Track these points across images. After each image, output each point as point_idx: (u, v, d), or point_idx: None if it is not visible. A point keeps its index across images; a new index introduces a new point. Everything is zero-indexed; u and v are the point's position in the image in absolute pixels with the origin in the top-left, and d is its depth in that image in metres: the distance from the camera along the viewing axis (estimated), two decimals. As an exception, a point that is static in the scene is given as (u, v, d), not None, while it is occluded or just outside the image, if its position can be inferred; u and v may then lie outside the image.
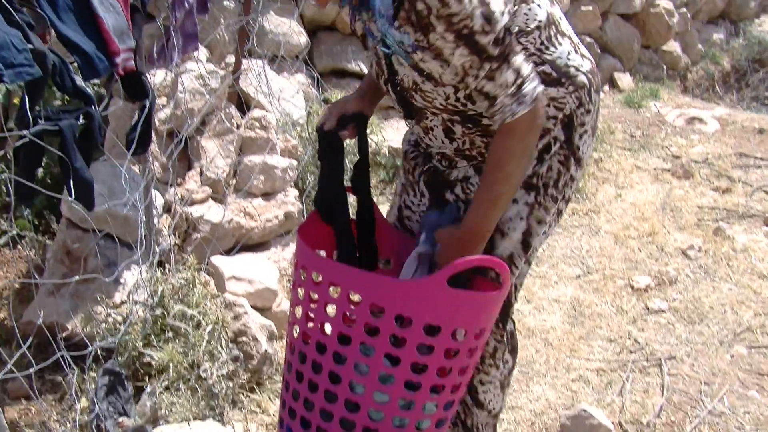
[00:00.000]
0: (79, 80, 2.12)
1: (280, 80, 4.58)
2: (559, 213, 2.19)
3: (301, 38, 5.02)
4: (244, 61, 4.05)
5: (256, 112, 4.02)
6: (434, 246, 2.05)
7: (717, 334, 3.55)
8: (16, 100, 3.80)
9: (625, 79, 7.46)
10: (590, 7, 7.06)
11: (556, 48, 1.97)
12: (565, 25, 2.04)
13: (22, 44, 1.85)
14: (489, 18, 1.72)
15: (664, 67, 8.00)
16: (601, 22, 7.32)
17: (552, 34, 1.96)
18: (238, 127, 3.90)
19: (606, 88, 7.30)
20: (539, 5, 1.93)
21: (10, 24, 1.89)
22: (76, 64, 2.18)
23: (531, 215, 2.10)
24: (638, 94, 7.09)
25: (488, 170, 1.92)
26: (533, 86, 1.81)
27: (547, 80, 1.94)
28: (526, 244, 2.13)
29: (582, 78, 2.02)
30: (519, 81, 1.80)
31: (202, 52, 4.06)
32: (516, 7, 1.87)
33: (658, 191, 5.10)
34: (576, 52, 2.03)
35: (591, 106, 2.06)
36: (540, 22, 1.92)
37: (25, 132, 1.90)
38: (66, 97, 3.15)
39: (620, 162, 5.55)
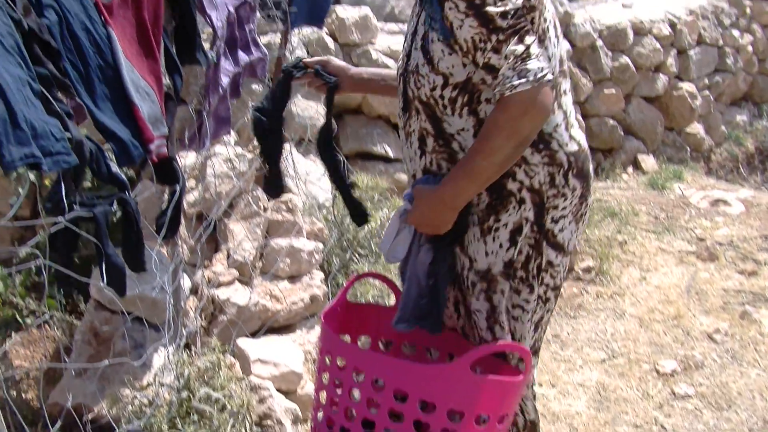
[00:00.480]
0: (114, 166, 2.19)
1: (306, 163, 4.67)
2: (544, 300, 2.17)
3: (328, 122, 5.12)
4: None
5: (283, 196, 4.08)
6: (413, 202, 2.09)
7: (746, 421, 3.48)
8: (47, 181, 3.91)
9: (648, 161, 7.49)
10: (613, 90, 7.15)
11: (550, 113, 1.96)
12: (566, 101, 2.05)
13: (61, 133, 1.92)
14: None
15: (688, 148, 8.03)
16: (625, 105, 7.40)
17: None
18: (265, 209, 3.97)
19: (630, 169, 7.33)
20: (549, 56, 1.91)
21: (50, 113, 1.97)
22: (111, 151, 2.25)
23: (505, 299, 2.10)
24: (662, 176, 7.11)
25: (475, 142, 1.92)
26: (540, 66, 1.80)
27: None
28: (513, 332, 2.14)
29: (561, 156, 2.02)
30: (525, 55, 1.80)
31: (231, 135, 4.16)
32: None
33: (683, 274, 5.07)
34: (566, 129, 2.03)
35: (567, 191, 2.05)
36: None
37: (60, 219, 1.95)
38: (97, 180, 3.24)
39: (645, 244, 5.54)
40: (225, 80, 3.19)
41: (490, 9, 1.80)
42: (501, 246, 2.05)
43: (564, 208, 2.06)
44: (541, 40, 1.88)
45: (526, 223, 2.04)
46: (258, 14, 3.51)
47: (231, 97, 3.32)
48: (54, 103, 1.99)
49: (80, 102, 2.19)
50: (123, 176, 2.20)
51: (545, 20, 1.92)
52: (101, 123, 2.20)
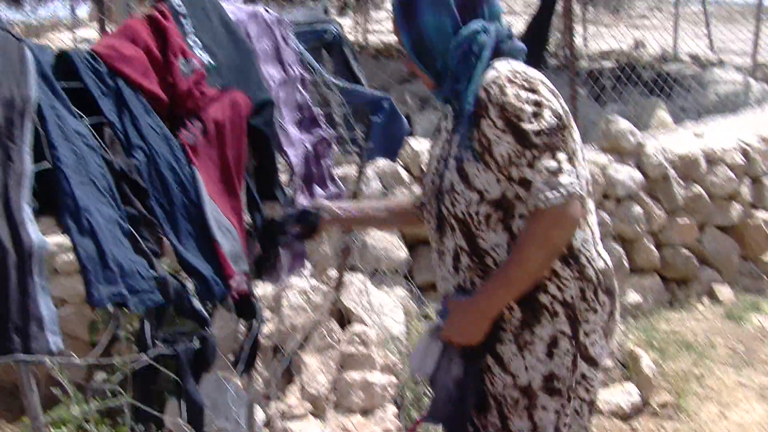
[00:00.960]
0: (196, 303, 2.24)
1: (380, 294, 4.68)
2: (579, 414, 2.18)
3: (401, 253, 5.17)
4: (345, 275, 4.18)
5: (356, 327, 4.09)
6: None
7: None
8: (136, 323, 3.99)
9: (724, 292, 7.28)
10: (687, 220, 7.05)
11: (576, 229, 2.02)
12: (591, 219, 2.12)
13: (147, 272, 2.00)
14: (538, 112, 1.92)
15: (765, 278, 7.80)
16: (699, 235, 7.28)
17: None
18: (338, 342, 3.97)
19: (705, 300, 7.12)
20: (577, 176, 1.96)
21: (137, 251, 2.05)
22: (193, 287, 2.31)
23: (545, 414, 2.10)
24: (739, 307, 6.87)
25: (510, 257, 2.00)
26: (571, 180, 1.89)
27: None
28: None
29: (590, 272, 2.07)
30: (557, 170, 1.89)
31: (306, 267, 4.22)
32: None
33: (766, 411, 4.83)
34: (593, 245, 2.10)
35: (598, 306, 2.08)
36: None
37: (144, 357, 1.99)
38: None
39: (723, 379, 5.30)
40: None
41: (527, 127, 1.91)
42: (539, 360, 2.07)
43: (594, 323, 2.09)
44: (570, 159, 1.96)
45: (563, 336, 2.06)
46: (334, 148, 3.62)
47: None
48: (141, 242, 2.07)
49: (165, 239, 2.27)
50: (205, 313, 2.25)
51: (574, 141, 2.01)
52: (185, 260, 2.27)
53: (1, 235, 1.68)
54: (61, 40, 15.94)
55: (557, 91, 2.05)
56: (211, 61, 2.54)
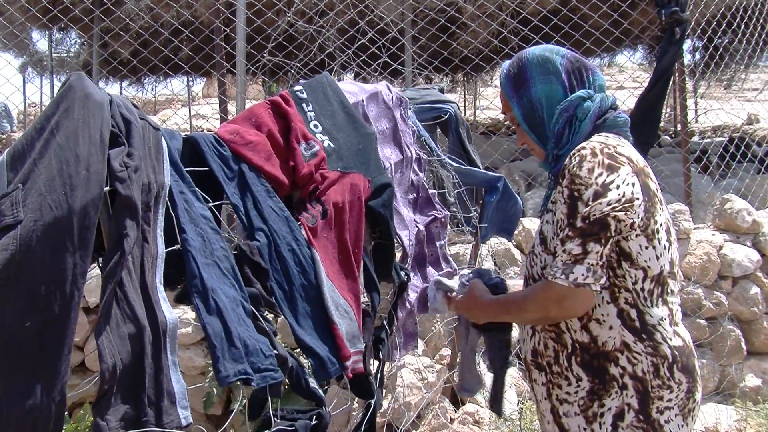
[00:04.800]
0: (312, 382, 2.27)
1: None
2: None
3: (514, 332, 5.10)
4: (458, 354, 4.15)
5: (469, 407, 4.04)
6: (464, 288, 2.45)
7: None
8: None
9: None
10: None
11: (652, 306, 2.04)
12: (672, 299, 2.10)
13: (269, 350, 2.05)
14: (596, 196, 1.95)
15: None
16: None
17: (656, 292, 2.05)
18: (451, 421, 3.93)
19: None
20: (657, 255, 2.04)
21: (258, 330, 2.11)
22: (309, 366, 2.35)
23: None
24: None
25: (519, 294, 2.20)
26: (584, 272, 1.94)
27: (628, 323, 2.03)
28: None
29: (665, 349, 2.04)
30: (578, 258, 1.94)
31: (419, 347, 4.22)
32: (635, 235, 2.01)
33: None
34: (671, 324, 2.07)
35: (673, 384, 2.03)
36: (648, 267, 2.03)
37: (266, 433, 2.03)
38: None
39: None
40: (413, 296, 3.28)
41: (580, 207, 1.97)
42: None
43: (670, 400, 2.04)
44: (650, 239, 2.01)
45: (629, 409, 2.03)
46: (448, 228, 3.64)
47: (418, 312, 3.40)
48: (262, 321, 2.13)
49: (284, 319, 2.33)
50: (321, 392, 2.28)
51: (656, 222, 2.03)
52: (302, 340, 2.32)
53: (139, 313, 1.76)
54: (176, 115, 16.79)
55: (648, 171, 2.10)
56: (332, 144, 2.63)
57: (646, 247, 2.02)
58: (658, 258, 2.03)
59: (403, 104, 3.28)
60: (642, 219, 1.99)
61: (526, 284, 2.28)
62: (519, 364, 4.93)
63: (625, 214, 1.95)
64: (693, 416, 2.13)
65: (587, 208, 1.95)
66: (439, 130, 4.02)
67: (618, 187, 1.96)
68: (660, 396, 2.03)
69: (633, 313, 2.03)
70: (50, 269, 1.64)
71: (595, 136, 2.10)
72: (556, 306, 1.99)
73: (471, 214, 3.75)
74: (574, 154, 2.02)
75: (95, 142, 1.81)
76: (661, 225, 2.05)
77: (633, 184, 1.98)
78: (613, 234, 1.96)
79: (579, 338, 2.08)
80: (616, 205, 1.94)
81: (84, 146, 1.77)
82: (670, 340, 2.05)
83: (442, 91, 4.15)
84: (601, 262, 1.96)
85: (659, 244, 2.04)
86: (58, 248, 1.65)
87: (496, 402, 2.64)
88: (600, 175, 1.96)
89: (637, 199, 1.98)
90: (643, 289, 2.03)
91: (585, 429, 2.08)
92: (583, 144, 2.04)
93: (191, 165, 2.26)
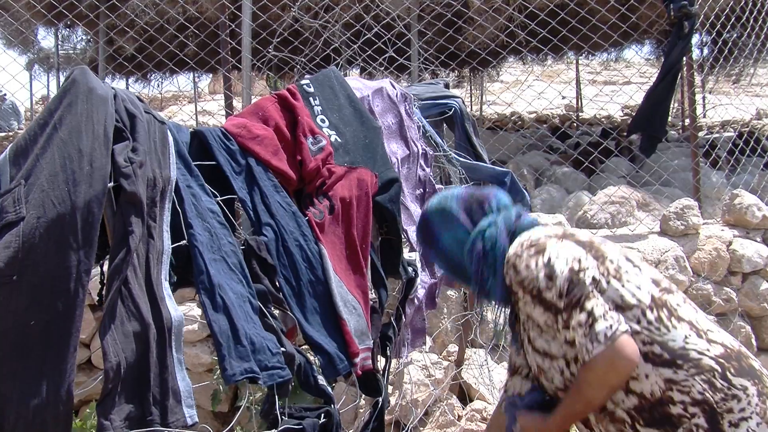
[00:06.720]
0: (321, 379, 2.25)
1: (500, 370, 4.59)
2: None
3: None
4: (465, 350, 4.12)
5: (477, 404, 4.01)
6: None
7: None
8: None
9: None
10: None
11: (668, 330, 2.01)
12: (685, 311, 2.08)
13: (276, 348, 2.02)
14: (550, 276, 2.02)
15: None
16: None
17: (663, 316, 2.02)
18: (459, 418, 3.90)
19: None
20: (638, 287, 2.05)
21: (266, 327, 2.08)
22: (318, 363, 2.32)
23: None
24: None
25: (572, 393, 2.04)
26: (607, 325, 1.92)
27: (657, 360, 1.98)
28: None
29: (707, 361, 1.98)
30: (590, 320, 1.94)
31: (427, 343, 4.19)
32: (606, 283, 2.03)
33: None
34: (699, 336, 2.03)
35: (737, 391, 1.96)
36: (640, 301, 2.02)
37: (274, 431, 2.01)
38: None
39: None
40: (421, 292, 3.25)
41: (547, 296, 2.02)
42: None
43: (742, 410, 1.95)
44: (619, 278, 2.04)
45: (698, 429, 1.96)
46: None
47: (426, 308, 3.37)
48: (270, 318, 2.10)
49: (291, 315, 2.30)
50: (329, 389, 2.25)
51: (612, 261, 2.08)
52: (309, 336, 2.29)
53: (143, 310, 1.74)
54: (182, 111, 16.77)
55: (572, 232, 2.19)
56: (339, 139, 2.60)
57: (623, 286, 2.04)
58: (640, 288, 2.05)
59: (408, 100, 3.25)
60: (598, 267, 2.05)
61: (555, 399, 2.21)
62: None
63: (582, 272, 2.02)
64: None
65: (554, 289, 2.02)
66: (445, 125, 3.99)
67: (557, 257, 2.05)
68: (729, 408, 1.95)
69: (656, 349, 2.00)
70: (54, 266, 1.62)
71: (511, 245, 2.18)
72: (611, 371, 1.94)
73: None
74: (507, 269, 2.12)
75: (99, 137, 1.78)
76: (617, 260, 2.10)
77: (566, 247, 2.08)
78: (593, 287, 2.00)
79: (629, 405, 2.03)
80: (572, 266, 2.02)
81: (87, 141, 1.75)
82: (708, 351, 2.00)
83: (447, 86, 4.11)
84: (607, 308, 1.97)
85: (630, 275, 2.07)
86: (62, 245, 1.63)
87: None
88: (536, 262, 2.06)
89: (580, 255, 2.06)
90: (650, 322, 2.02)
91: None
92: (507, 255, 2.15)
93: (198, 159, 2.24)
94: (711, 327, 2.09)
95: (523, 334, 2.22)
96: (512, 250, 2.14)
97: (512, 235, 2.21)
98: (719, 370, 1.97)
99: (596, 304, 1.97)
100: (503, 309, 2.32)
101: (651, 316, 2.02)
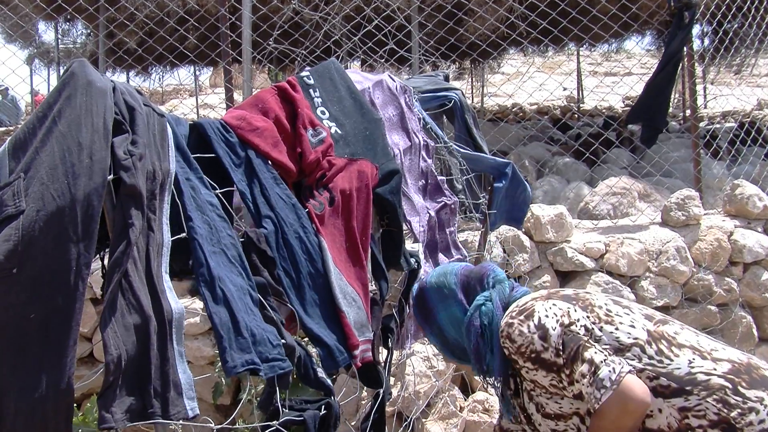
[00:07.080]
0: (320, 372, 2.25)
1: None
2: None
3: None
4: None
5: (479, 395, 4.02)
6: None
7: None
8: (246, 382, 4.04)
9: None
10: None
11: (671, 360, 2.03)
12: (685, 337, 2.09)
13: (277, 340, 2.02)
14: (544, 336, 2.07)
15: None
16: None
17: (663, 347, 2.05)
18: (461, 409, 3.91)
19: None
20: (631, 326, 2.08)
21: (266, 319, 2.08)
22: (317, 355, 2.32)
23: None
24: None
25: None
26: (610, 369, 1.93)
27: (667, 392, 2.00)
28: None
29: (716, 381, 1.99)
30: (593, 369, 1.95)
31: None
32: (599, 329, 2.07)
33: None
34: (704, 357, 2.04)
35: (753, 404, 1.95)
36: (636, 339, 2.05)
37: (274, 423, 2.01)
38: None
39: None
40: (424, 283, 3.25)
41: (546, 357, 2.05)
42: None
43: (762, 421, 1.94)
44: (611, 322, 2.07)
45: None
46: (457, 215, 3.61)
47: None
48: (269, 310, 2.10)
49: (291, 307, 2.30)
50: (329, 381, 2.26)
51: (600, 307, 2.13)
52: (309, 329, 2.29)
53: (144, 303, 1.74)
54: (183, 104, 16.77)
55: (555, 290, 2.24)
56: (339, 131, 2.60)
57: (617, 329, 2.08)
58: (634, 326, 2.08)
59: (408, 92, 3.25)
60: (588, 317, 2.09)
61: None
62: None
63: (573, 324, 2.06)
64: None
65: (550, 349, 2.05)
66: (445, 117, 3.98)
67: (547, 317, 2.09)
68: (749, 422, 1.95)
69: (663, 381, 2.01)
70: (53, 260, 1.61)
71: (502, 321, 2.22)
72: (624, 414, 1.93)
73: (480, 201, 3.71)
74: (503, 341, 2.16)
75: (98, 129, 1.78)
76: (605, 305, 2.15)
77: (553, 305, 2.13)
78: (588, 336, 2.04)
79: None
80: (562, 321, 2.07)
81: (87, 134, 1.74)
82: (715, 370, 2.01)
83: (447, 78, 4.11)
84: (606, 354, 1.99)
85: (622, 316, 2.11)
86: (62, 238, 1.62)
87: None
88: (528, 327, 2.10)
89: (568, 308, 2.11)
90: (651, 357, 2.04)
91: None
92: (500, 328, 2.19)
93: (198, 151, 2.24)
94: (715, 346, 2.10)
95: (529, 405, 2.24)
96: (503, 321, 2.20)
97: (506, 308, 2.27)
98: (730, 386, 1.97)
99: (594, 351, 1.99)
100: (501, 383, 2.35)
101: (651, 350, 2.04)
